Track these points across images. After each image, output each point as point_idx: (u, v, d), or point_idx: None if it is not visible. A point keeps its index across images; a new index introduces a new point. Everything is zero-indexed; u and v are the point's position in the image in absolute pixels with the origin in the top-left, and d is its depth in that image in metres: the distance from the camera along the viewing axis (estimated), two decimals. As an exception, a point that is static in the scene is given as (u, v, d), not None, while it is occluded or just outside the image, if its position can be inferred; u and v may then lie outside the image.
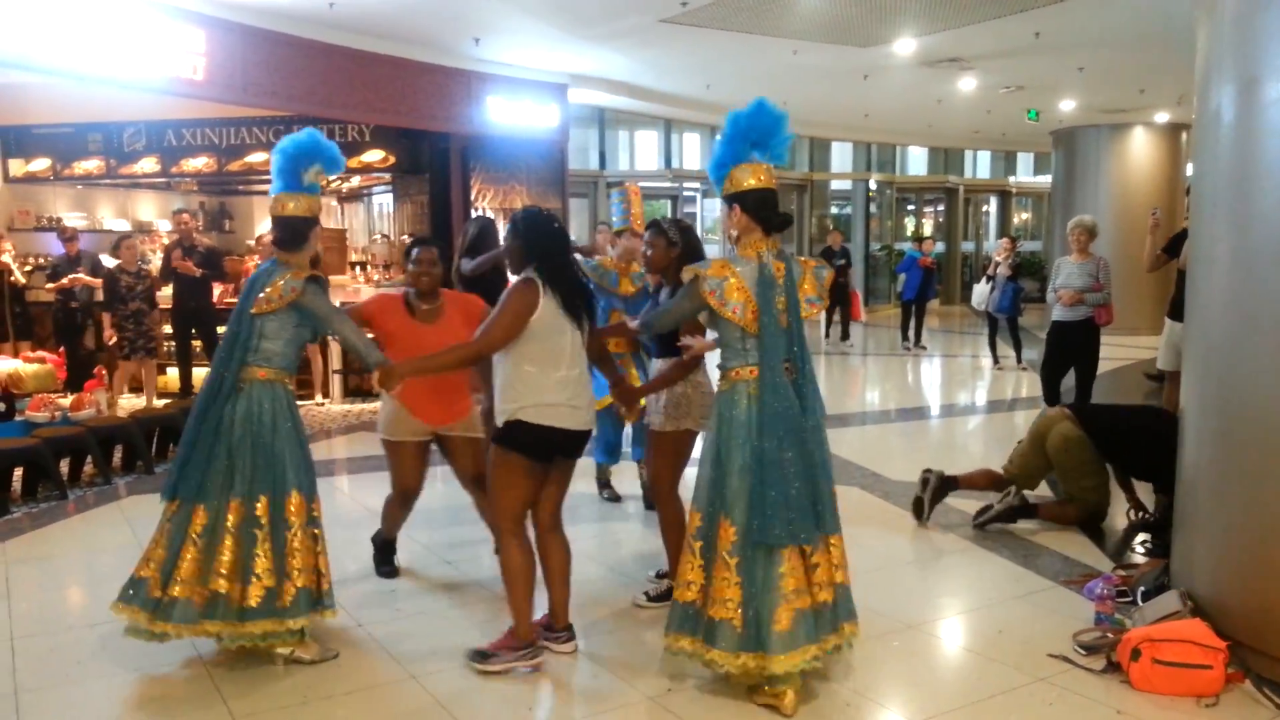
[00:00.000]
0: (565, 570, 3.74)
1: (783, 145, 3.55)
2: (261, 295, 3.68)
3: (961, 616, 4.29)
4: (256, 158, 10.07)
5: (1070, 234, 7.25)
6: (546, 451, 3.59)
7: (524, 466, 3.59)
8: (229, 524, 3.61)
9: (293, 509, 3.64)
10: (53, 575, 4.88)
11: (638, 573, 4.66)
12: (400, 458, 4.52)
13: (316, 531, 3.72)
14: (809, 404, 3.43)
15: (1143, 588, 4.15)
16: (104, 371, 8.47)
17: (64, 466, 6.40)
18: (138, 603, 3.62)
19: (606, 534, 5.52)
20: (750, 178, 3.46)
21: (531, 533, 3.73)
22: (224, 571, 3.58)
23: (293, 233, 3.79)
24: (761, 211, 3.46)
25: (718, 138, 3.60)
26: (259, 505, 3.61)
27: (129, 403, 8.49)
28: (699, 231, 7.80)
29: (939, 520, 5.50)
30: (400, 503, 4.63)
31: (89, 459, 6.60)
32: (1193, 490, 3.98)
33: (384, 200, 12.17)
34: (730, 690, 3.43)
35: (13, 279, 9.47)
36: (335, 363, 9.45)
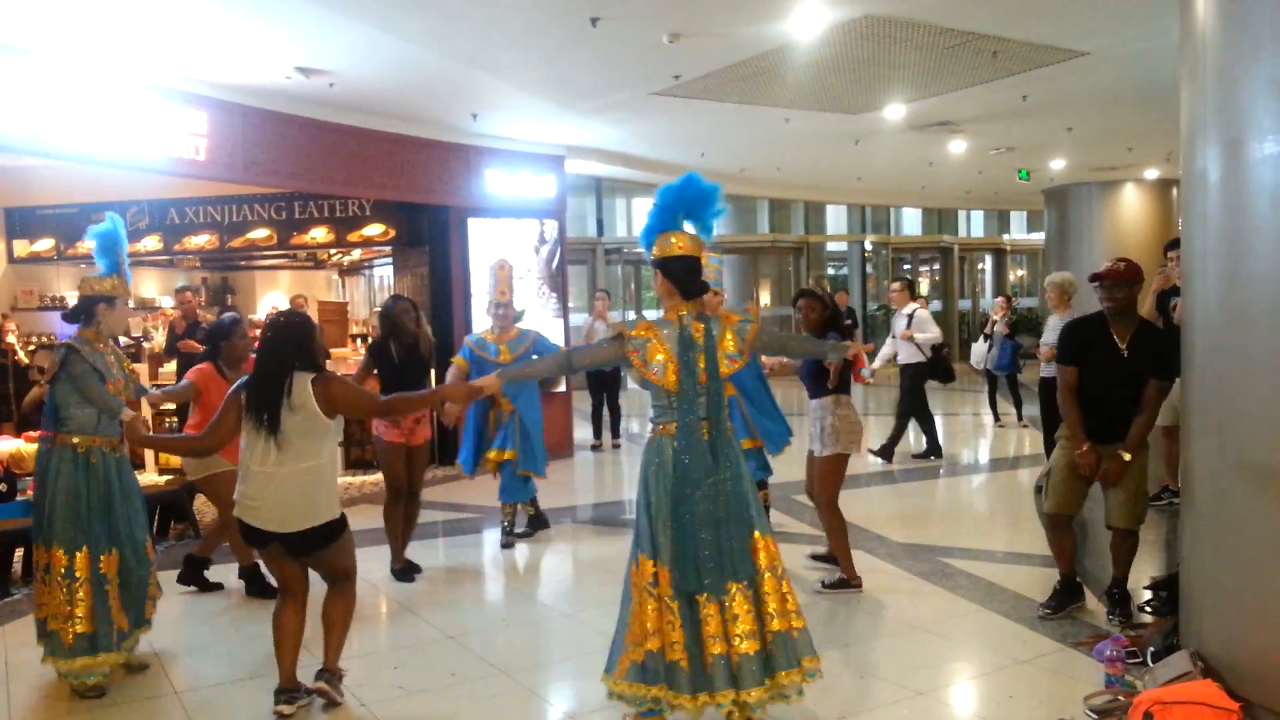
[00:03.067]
0: (334, 620, 4.03)
1: (713, 217, 3.70)
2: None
3: (972, 682, 4.25)
4: (258, 234, 10.19)
5: (1046, 292, 7.94)
6: (251, 540, 3.92)
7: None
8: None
9: (52, 561, 4.27)
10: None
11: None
12: None
13: (69, 584, 4.24)
14: (724, 459, 3.50)
15: (1152, 648, 4.11)
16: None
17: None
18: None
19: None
20: (675, 246, 3.60)
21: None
22: None
23: (75, 310, 4.49)
24: (681, 277, 3.59)
25: (651, 207, 3.74)
26: (37, 552, 4.35)
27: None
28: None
29: (944, 583, 5.46)
30: None
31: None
32: (1199, 546, 3.96)
33: (384, 273, 12.27)
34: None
35: (16, 359, 9.52)
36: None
